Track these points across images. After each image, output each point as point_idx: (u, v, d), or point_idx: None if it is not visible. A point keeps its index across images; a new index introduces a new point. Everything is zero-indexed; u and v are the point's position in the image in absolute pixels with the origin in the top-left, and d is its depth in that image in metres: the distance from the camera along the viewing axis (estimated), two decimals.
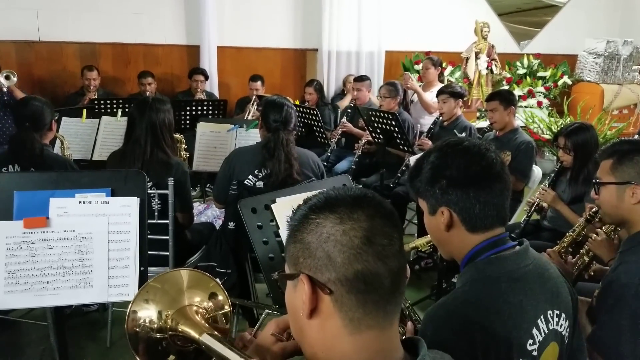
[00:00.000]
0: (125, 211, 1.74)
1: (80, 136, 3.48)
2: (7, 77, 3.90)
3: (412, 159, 3.12)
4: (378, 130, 3.64)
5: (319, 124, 3.93)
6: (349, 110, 4.45)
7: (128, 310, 1.16)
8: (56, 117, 2.92)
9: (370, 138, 3.90)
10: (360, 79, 4.67)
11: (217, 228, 3.02)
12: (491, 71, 5.71)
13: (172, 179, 2.48)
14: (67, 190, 1.72)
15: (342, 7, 5.72)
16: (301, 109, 4.01)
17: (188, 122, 4.14)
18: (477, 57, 5.64)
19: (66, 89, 5.29)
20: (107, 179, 1.79)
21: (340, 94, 5.74)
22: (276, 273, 0.88)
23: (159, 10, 5.48)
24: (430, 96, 4.61)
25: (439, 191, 1.20)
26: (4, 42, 5.24)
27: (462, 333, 1.07)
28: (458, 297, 1.16)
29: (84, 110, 3.58)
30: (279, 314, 1.27)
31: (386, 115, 3.53)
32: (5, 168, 2.59)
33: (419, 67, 5.55)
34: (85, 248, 1.69)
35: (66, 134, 3.28)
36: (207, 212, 3.39)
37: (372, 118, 3.66)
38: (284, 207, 1.93)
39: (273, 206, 1.91)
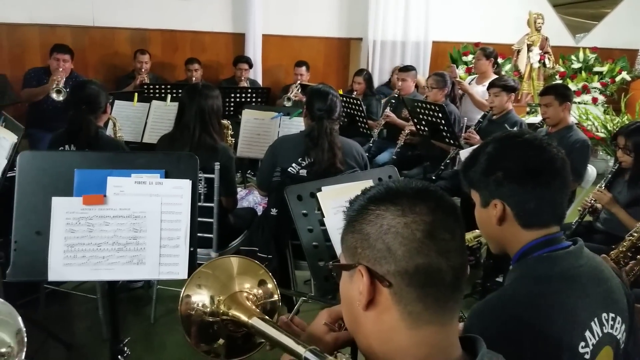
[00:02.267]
0: (177, 192, 1.80)
1: (132, 119, 3.60)
2: (57, 92, 4.05)
3: (463, 153, 3.08)
4: (423, 122, 3.60)
5: (362, 114, 3.93)
6: (393, 101, 4.43)
7: (181, 295, 1.19)
8: (110, 101, 3.03)
9: (413, 129, 3.87)
10: (406, 69, 4.62)
11: (259, 214, 3.08)
12: (544, 65, 5.53)
13: (219, 163, 2.55)
14: (124, 170, 1.79)
15: None
16: (344, 98, 4.02)
17: (232, 109, 4.21)
18: (529, 50, 5.46)
19: (117, 73, 5.46)
20: (161, 161, 1.84)
21: (386, 85, 5.71)
22: (331, 263, 0.89)
23: None
24: (482, 90, 4.53)
25: (493, 183, 1.18)
26: (61, 27, 5.46)
27: (510, 332, 1.05)
28: (507, 294, 1.14)
29: (136, 94, 3.70)
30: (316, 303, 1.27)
31: (433, 107, 3.49)
32: (62, 148, 2.71)
33: (467, 58, 5.45)
34: (139, 226, 1.76)
35: (118, 116, 3.40)
36: (249, 198, 3.47)
37: (418, 109, 3.62)
38: (330, 195, 1.95)
39: (319, 194, 1.94)
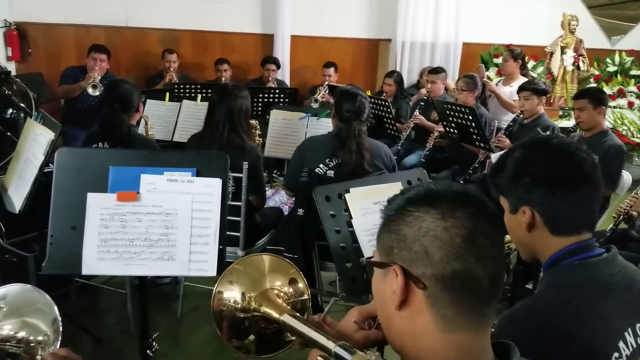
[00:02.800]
0: (208, 191, 1.83)
1: (163, 118, 3.67)
2: (93, 87, 4.22)
3: (494, 157, 3.04)
4: (453, 125, 3.57)
5: (390, 116, 3.92)
6: (422, 103, 4.40)
7: (214, 291, 1.22)
8: (143, 100, 3.09)
9: (442, 132, 3.84)
10: (435, 71, 4.59)
11: (285, 213, 3.11)
12: (577, 67, 5.41)
13: (247, 162, 2.58)
14: (157, 168, 1.82)
15: None
16: (372, 99, 4.01)
17: (259, 109, 4.25)
18: (562, 52, 5.34)
19: (147, 72, 5.57)
20: (193, 159, 1.87)
21: (415, 86, 5.68)
22: (365, 259, 0.89)
23: (237, 0, 5.64)
24: (509, 91, 4.46)
25: (521, 189, 1.17)
26: (95, 27, 5.60)
27: (543, 340, 1.04)
28: (539, 301, 1.13)
29: (167, 94, 3.77)
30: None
31: (463, 109, 3.45)
32: (96, 145, 2.79)
33: (498, 60, 5.38)
34: (171, 223, 1.79)
35: (150, 115, 3.47)
36: (275, 198, 3.49)
37: (447, 111, 3.59)
38: (358, 197, 1.95)
39: (347, 196, 1.94)
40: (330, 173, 2.57)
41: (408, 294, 0.78)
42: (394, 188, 2.03)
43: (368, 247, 1.91)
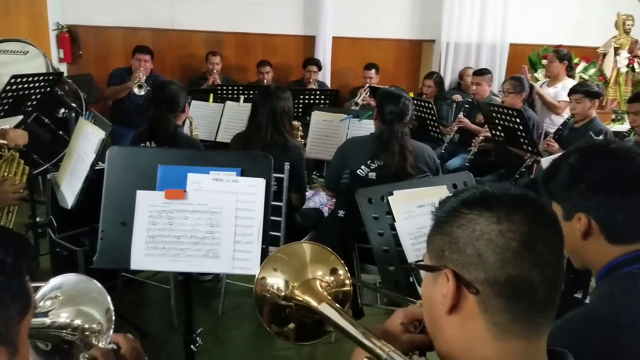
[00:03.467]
0: (252, 191, 1.85)
1: (207, 118, 3.75)
2: (139, 87, 4.40)
3: (545, 161, 2.96)
4: (499, 128, 3.48)
5: (433, 118, 3.86)
6: (467, 105, 4.32)
7: (257, 276, 1.24)
8: (189, 100, 3.16)
9: (488, 135, 3.76)
10: (481, 72, 4.51)
11: (325, 215, 3.11)
12: (632, 69, 5.19)
13: (289, 163, 2.59)
14: (203, 167, 1.86)
15: None
16: (415, 101, 3.97)
17: (300, 110, 4.28)
18: (616, 53, 5.15)
19: (191, 74, 5.70)
20: (237, 159, 1.90)
21: (456, 88, 5.59)
22: (414, 263, 0.88)
23: (279, 1, 5.69)
24: (554, 92, 4.33)
25: (577, 196, 1.13)
26: (142, 30, 5.78)
27: (602, 351, 1.00)
28: (594, 311, 1.08)
29: (211, 95, 3.84)
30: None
31: (510, 112, 3.37)
32: (143, 144, 2.87)
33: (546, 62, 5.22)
34: (216, 222, 1.82)
35: (194, 115, 3.55)
36: (315, 199, 3.49)
37: (494, 114, 3.51)
38: (401, 200, 1.94)
39: (390, 198, 1.93)
40: (372, 175, 2.56)
41: (459, 298, 0.76)
42: (439, 191, 2.00)
43: (411, 250, 1.89)
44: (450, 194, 0.85)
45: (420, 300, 1.16)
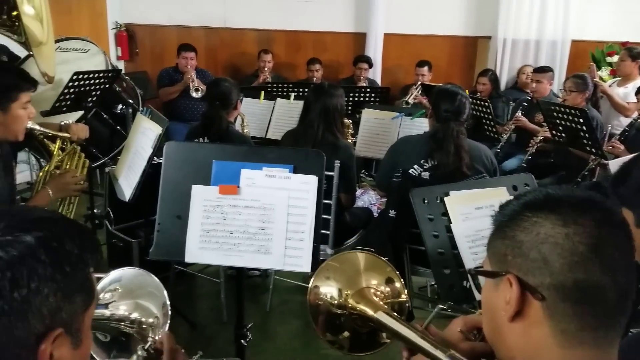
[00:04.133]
0: (304, 187, 1.84)
1: (257, 115, 3.78)
2: (196, 90, 4.56)
3: (614, 164, 2.80)
4: (560, 128, 3.32)
5: (489, 117, 3.74)
6: (525, 104, 4.16)
7: (310, 285, 1.24)
8: (241, 98, 3.19)
9: (548, 135, 3.61)
10: (542, 69, 4.33)
11: (375, 214, 3.07)
12: None
13: (339, 161, 2.57)
14: (256, 163, 1.87)
15: None
16: (471, 99, 3.85)
17: (350, 108, 4.24)
18: None
19: (242, 71, 5.77)
20: (290, 156, 1.90)
21: (513, 87, 5.40)
22: (474, 269, 0.85)
23: None
24: (624, 92, 4.09)
25: None
26: (196, 28, 5.91)
27: None
28: None
29: (262, 92, 3.87)
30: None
31: (572, 112, 3.20)
32: (197, 140, 2.92)
33: (612, 59, 4.94)
34: (268, 218, 1.83)
35: (245, 112, 3.58)
36: (364, 198, 3.46)
37: (554, 113, 3.35)
38: (458, 201, 1.88)
39: (446, 199, 1.87)
40: (425, 175, 2.50)
41: (523, 304, 0.73)
42: (498, 193, 1.93)
43: (468, 254, 1.83)
44: (511, 197, 0.82)
45: (480, 309, 1.12)
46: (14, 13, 2.00)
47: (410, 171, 2.51)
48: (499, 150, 3.97)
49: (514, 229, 0.75)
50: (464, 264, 1.82)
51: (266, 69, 5.25)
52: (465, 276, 1.82)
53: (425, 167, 2.50)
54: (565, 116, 3.26)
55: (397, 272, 1.29)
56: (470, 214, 1.86)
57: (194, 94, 4.56)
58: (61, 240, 0.69)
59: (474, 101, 3.83)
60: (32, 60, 3.29)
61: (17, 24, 2.02)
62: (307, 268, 1.77)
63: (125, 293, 1.22)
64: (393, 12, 5.57)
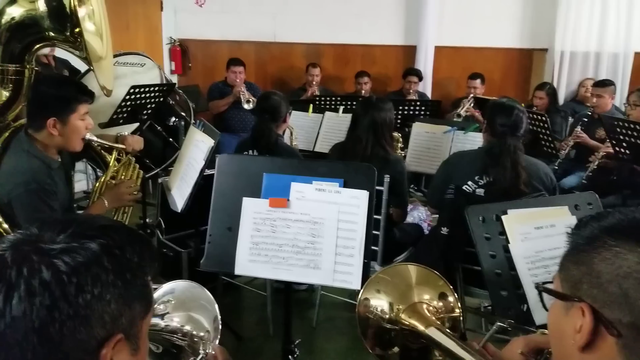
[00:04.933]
0: (354, 202, 1.81)
1: (305, 128, 3.79)
2: (247, 102, 4.71)
3: None
4: (624, 144, 3.15)
5: (547, 132, 3.59)
6: (585, 119, 3.98)
7: (359, 297, 1.22)
8: (290, 111, 3.21)
9: (610, 151, 3.43)
10: (602, 83, 4.14)
11: (425, 231, 2.99)
12: None
13: (389, 176, 2.52)
14: (306, 177, 1.86)
15: (582, 1, 5.12)
16: (527, 113, 3.71)
17: (399, 121, 4.18)
18: None
19: (291, 85, 5.83)
20: (340, 170, 1.87)
21: (573, 100, 5.19)
22: (541, 284, 0.80)
23: (379, 12, 5.65)
24: None
25: None
26: (246, 43, 6.03)
27: None
28: None
29: (311, 105, 3.88)
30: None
31: (638, 127, 3.04)
32: (246, 152, 2.95)
33: None
34: (317, 232, 1.80)
35: (294, 125, 3.60)
36: (413, 213, 3.37)
37: (618, 129, 3.18)
38: (517, 220, 1.79)
39: (504, 218, 1.79)
40: (480, 191, 2.41)
41: (596, 337, 0.67)
42: (560, 213, 1.83)
43: (527, 276, 1.74)
44: (589, 217, 0.75)
45: (540, 329, 1.06)
46: (77, 30, 2.06)
47: (464, 187, 2.42)
48: (556, 167, 3.80)
49: (592, 255, 0.69)
50: (522, 286, 1.73)
51: (314, 82, 5.28)
52: (524, 299, 1.73)
53: (480, 183, 2.42)
54: (629, 132, 3.09)
55: (450, 286, 1.25)
56: (530, 234, 1.77)
57: (246, 106, 4.67)
58: (123, 248, 0.70)
59: (531, 115, 3.69)
60: (91, 74, 3.44)
61: (79, 40, 2.09)
62: (357, 285, 1.73)
63: (178, 305, 1.22)
64: (444, 24, 5.48)
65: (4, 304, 0.62)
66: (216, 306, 1.25)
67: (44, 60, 3.89)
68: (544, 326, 0.85)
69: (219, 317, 1.24)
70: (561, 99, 5.25)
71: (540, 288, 0.81)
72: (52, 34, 2.08)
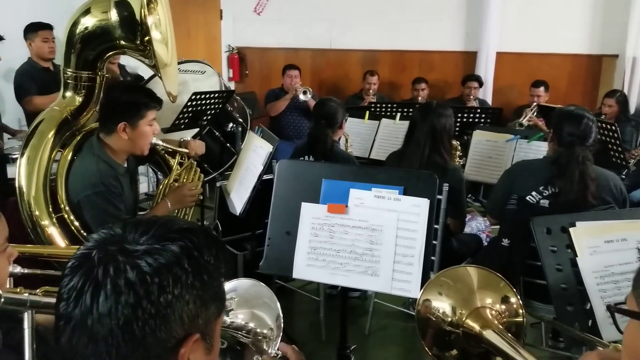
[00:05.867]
0: (414, 210, 1.78)
1: (361, 135, 3.78)
2: (304, 93, 4.77)
3: None
4: None
5: (617, 142, 3.41)
6: None
7: (420, 297, 1.23)
8: (346, 117, 3.21)
9: None
10: None
11: (484, 242, 2.90)
12: None
13: (447, 184, 2.46)
14: (365, 183, 1.85)
15: None
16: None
17: (458, 129, 4.09)
18: None
19: (347, 92, 5.83)
20: (400, 177, 1.85)
21: None
22: (613, 305, 0.76)
23: (439, 18, 5.56)
24: None
25: None
26: (303, 50, 6.10)
27: None
28: None
29: (367, 112, 3.87)
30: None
31: None
32: (302, 158, 2.97)
33: None
34: (375, 239, 1.79)
35: (350, 132, 3.59)
36: (471, 224, 3.30)
37: None
38: (586, 233, 1.70)
39: (572, 230, 1.71)
40: (544, 203, 2.31)
41: None
42: (632, 227, 1.73)
43: (596, 291, 1.65)
44: None
45: (613, 344, 1.02)
46: (146, 38, 2.15)
47: (527, 198, 2.33)
48: (623, 177, 3.59)
49: None
50: (590, 301, 1.64)
51: (371, 90, 5.27)
52: (591, 314, 1.65)
53: (544, 194, 2.32)
54: None
55: (513, 288, 1.23)
56: (599, 248, 1.68)
57: (302, 97, 4.74)
58: (201, 250, 0.72)
59: (599, 124, 3.51)
60: (155, 80, 3.60)
61: (148, 48, 2.18)
62: (415, 294, 1.69)
63: (241, 302, 1.24)
64: (507, 29, 5.31)
65: (91, 301, 0.65)
66: (278, 304, 1.26)
67: (111, 68, 4.10)
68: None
69: (281, 315, 1.25)
70: (632, 108, 4.97)
71: (613, 309, 0.77)
72: (123, 42, 2.17)
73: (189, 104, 3.30)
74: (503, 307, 1.20)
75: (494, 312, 1.18)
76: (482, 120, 4.01)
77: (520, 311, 1.23)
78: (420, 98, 5.05)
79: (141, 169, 4.31)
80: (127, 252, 0.68)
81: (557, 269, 1.71)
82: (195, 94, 3.32)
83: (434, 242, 2.48)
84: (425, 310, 1.22)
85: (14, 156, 2.86)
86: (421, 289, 1.68)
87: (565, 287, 1.69)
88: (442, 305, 1.21)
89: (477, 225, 3.22)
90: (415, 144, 2.67)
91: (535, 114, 4.35)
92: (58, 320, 0.68)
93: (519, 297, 1.21)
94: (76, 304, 0.66)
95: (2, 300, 0.89)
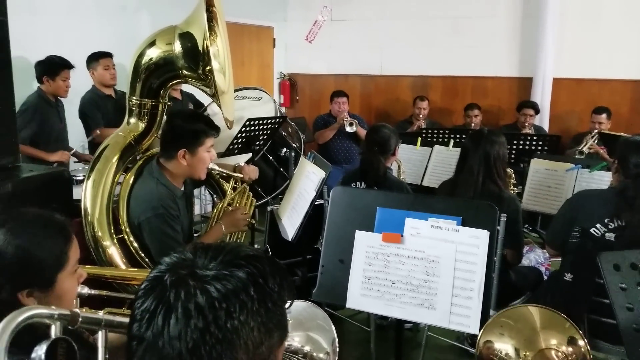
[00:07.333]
0: (473, 242, 1.73)
1: (413, 162, 3.74)
2: (350, 125, 4.85)
3: None
4: None
5: None
6: None
7: (479, 337, 1.21)
8: (399, 144, 3.19)
9: None
10: None
11: (544, 275, 2.78)
12: None
13: (505, 214, 2.38)
14: (421, 213, 1.81)
15: None
16: None
17: (513, 156, 3.98)
18: None
19: (396, 117, 5.82)
20: (458, 207, 1.81)
21: None
22: None
23: (493, 43, 5.49)
24: None
25: None
26: (353, 76, 6.16)
27: None
28: None
29: (419, 139, 3.83)
30: None
31: None
32: (354, 184, 2.96)
33: None
34: (432, 270, 1.74)
35: (401, 158, 3.56)
36: (529, 256, 3.16)
37: None
38: None
39: None
40: (610, 236, 2.19)
41: None
42: None
43: None
44: None
45: None
46: (208, 68, 2.23)
47: (591, 230, 2.22)
48: None
49: None
50: None
51: (421, 116, 5.23)
52: None
53: (610, 227, 2.20)
54: None
55: (579, 331, 1.20)
56: None
57: (349, 129, 4.80)
58: (266, 277, 0.72)
59: None
60: (212, 106, 3.71)
61: (209, 77, 2.26)
62: (474, 329, 1.64)
63: (296, 325, 1.23)
64: (564, 54, 5.17)
65: (163, 323, 0.67)
66: (333, 327, 1.24)
67: (174, 94, 4.26)
68: None
69: (337, 338, 1.23)
70: None
71: None
72: (185, 72, 2.26)
73: (242, 129, 3.38)
74: (570, 349, 1.16)
75: (559, 354, 1.15)
76: (539, 147, 3.88)
77: (589, 355, 1.17)
78: (473, 124, 4.96)
79: (195, 191, 4.44)
80: (197, 277, 0.69)
81: (627, 308, 1.60)
82: (249, 119, 3.40)
83: (491, 274, 2.40)
84: (487, 351, 1.19)
85: (79, 178, 3.00)
86: (481, 324, 1.63)
87: (637, 327, 1.58)
88: (504, 347, 1.18)
89: (536, 257, 3.09)
90: (468, 172, 2.61)
91: (596, 141, 4.17)
92: (131, 341, 0.70)
93: (585, 339, 1.17)
94: (149, 325, 0.68)
95: (80, 319, 0.92)
